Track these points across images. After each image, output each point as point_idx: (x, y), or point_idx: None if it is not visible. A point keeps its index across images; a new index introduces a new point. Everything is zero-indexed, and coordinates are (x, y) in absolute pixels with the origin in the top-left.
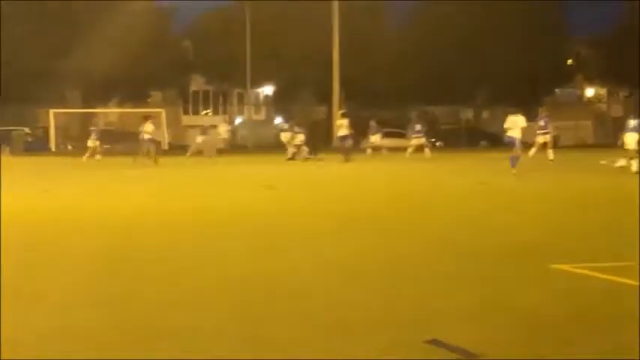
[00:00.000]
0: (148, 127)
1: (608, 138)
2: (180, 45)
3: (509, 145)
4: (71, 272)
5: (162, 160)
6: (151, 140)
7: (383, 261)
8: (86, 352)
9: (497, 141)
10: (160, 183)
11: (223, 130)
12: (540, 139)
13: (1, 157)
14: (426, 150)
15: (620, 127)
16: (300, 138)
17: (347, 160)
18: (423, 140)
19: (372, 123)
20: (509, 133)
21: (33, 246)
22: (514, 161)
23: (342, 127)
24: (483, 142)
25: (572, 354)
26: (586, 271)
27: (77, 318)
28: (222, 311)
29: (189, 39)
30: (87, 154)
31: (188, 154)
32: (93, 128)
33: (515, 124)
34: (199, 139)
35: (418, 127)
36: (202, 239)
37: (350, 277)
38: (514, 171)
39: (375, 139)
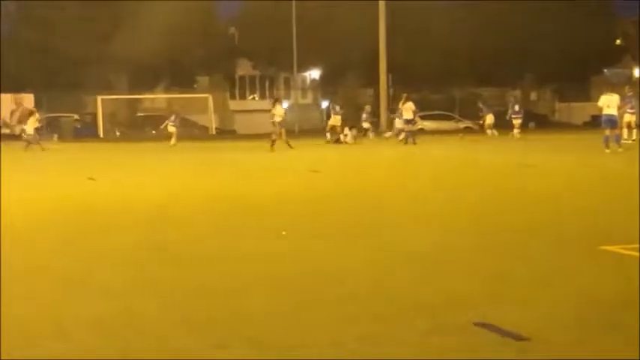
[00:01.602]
0: (279, 110)
1: None
2: (227, 30)
3: (607, 124)
4: (135, 262)
5: (215, 144)
6: (281, 123)
7: (431, 245)
8: (147, 341)
9: (545, 122)
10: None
11: (279, 112)
12: (627, 118)
13: (51, 144)
14: (516, 131)
15: None
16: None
17: (409, 142)
18: (520, 121)
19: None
20: (608, 111)
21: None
22: (618, 139)
23: (407, 110)
24: (532, 124)
25: (619, 338)
26: (634, 253)
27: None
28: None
29: (236, 24)
30: (172, 140)
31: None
32: (173, 116)
33: (612, 103)
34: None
35: (517, 107)
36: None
37: (399, 261)
38: (620, 149)
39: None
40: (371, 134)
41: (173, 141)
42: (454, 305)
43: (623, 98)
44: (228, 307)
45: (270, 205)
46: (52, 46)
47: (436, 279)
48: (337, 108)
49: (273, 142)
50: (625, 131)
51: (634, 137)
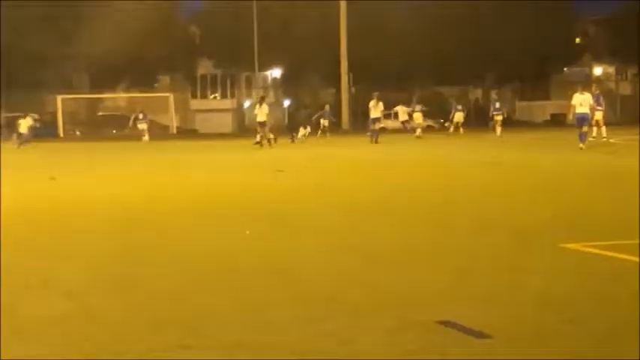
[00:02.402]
0: (264, 109)
1: (617, 116)
2: (188, 29)
3: (580, 122)
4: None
5: (175, 144)
6: (266, 122)
7: (393, 244)
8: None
9: (506, 121)
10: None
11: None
12: (597, 116)
13: (10, 144)
14: (498, 129)
15: (627, 105)
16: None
17: (374, 142)
18: (501, 117)
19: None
20: (580, 110)
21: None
22: (585, 137)
23: (376, 109)
24: (492, 122)
25: (579, 332)
26: (595, 250)
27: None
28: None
29: (197, 23)
30: (145, 137)
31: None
32: (141, 114)
33: (584, 101)
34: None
35: (498, 104)
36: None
37: (361, 260)
38: (582, 146)
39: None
40: (328, 134)
41: (146, 138)
42: (417, 304)
43: (592, 97)
44: (190, 305)
45: (235, 203)
46: (11, 45)
47: (398, 278)
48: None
49: (261, 139)
50: (594, 129)
51: (604, 135)
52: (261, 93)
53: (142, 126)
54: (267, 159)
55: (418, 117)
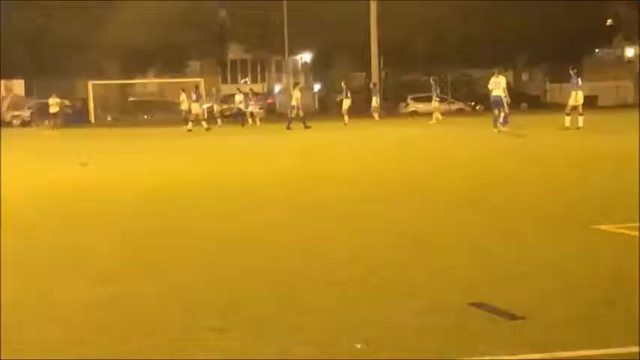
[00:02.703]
0: (297, 94)
1: None
2: (218, 14)
3: (494, 105)
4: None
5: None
6: (297, 106)
7: (424, 225)
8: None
9: (537, 103)
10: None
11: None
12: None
13: (42, 130)
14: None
15: None
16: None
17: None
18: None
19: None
20: (495, 93)
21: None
22: (505, 120)
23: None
24: (524, 105)
25: (615, 315)
26: (628, 232)
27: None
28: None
29: (227, 8)
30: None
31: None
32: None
33: (497, 85)
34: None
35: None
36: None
37: (390, 242)
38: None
39: (375, 101)
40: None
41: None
42: (449, 286)
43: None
44: (221, 288)
45: (267, 185)
46: (42, 32)
47: (430, 261)
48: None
49: (290, 122)
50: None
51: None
52: (291, 77)
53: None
54: (291, 142)
55: (375, 101)
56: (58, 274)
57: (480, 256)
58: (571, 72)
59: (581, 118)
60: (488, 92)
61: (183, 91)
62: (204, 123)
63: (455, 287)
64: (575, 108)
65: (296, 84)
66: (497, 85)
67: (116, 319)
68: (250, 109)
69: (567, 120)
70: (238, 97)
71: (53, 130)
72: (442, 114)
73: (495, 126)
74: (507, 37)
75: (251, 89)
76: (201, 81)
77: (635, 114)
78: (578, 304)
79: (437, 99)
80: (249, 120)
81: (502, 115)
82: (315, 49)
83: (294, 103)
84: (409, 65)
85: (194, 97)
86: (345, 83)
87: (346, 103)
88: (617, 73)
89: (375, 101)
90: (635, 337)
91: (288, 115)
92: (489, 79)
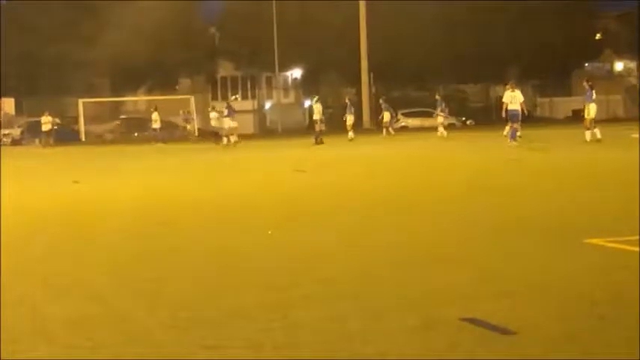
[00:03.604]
0: (318, 108)
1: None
2: (207, 31)
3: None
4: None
5: (197, 146)
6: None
7: (415, 241)
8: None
9: (528, 117)
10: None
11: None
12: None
13: (33, 148)
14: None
15: None
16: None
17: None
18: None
19: (381, 101)
20: (512, 107)
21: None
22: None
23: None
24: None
25: (609, 329)
26: (618, 245)
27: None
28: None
29: (216, 25)
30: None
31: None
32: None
33: (514, 99)
34: None
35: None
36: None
37: (384, 258)
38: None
39: (386, 117)
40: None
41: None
42: (441, 302)
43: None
44: (219, 306)
45: (256, 203)
46: (32, 50)
47: (422, 276)
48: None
49: (317, 137)
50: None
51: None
52: (282, 93)
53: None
54: (290, 158)
55: (387, 116)
56: (48, 291)
57: (475, 272)
58: (585, 85)
59: (589, 132)
60: (503, 106)
61: (156, 109)
62: (232, 138)
63: (447, 302)
64: (590, 121)
65: (315, 97)
66: (514, 99)
67: (107, 336)
68: (227, 125)
69: (588, 134)
70: (213, 115)
71: (44, 148)
72: (433, 129)
73: (515, 139)
74: (497, 52)
75: (228, 104)
76: (191, 98)
77: (627, 128)
78: (572, 319)
79: (442, 114)
80: (225, 139)
81: (512, 129)
82: (305, 65)
83: (318, 117)
84: (399, 81)
85: (226, 112)
86: (349, 99)
87: (350, 119)
88: (607, 87)
89: (387, 116)
90: (629, 350)
91: (316, 129)
92: (504, 94)
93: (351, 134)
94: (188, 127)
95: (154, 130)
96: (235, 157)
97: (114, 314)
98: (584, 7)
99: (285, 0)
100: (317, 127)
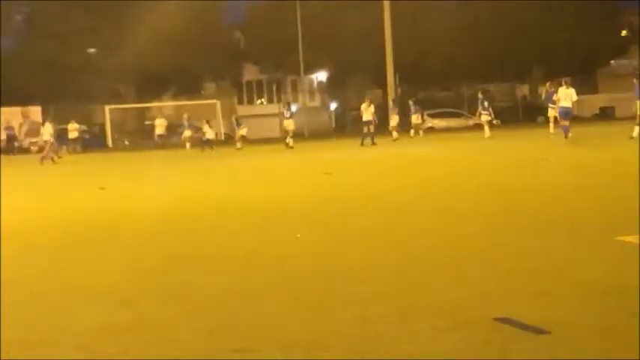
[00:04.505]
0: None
1: None
2: (232, 35)
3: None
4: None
5: (225, 150)
6: (371, 121)
7: (445, 241)
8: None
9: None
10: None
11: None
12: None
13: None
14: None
15: None
16: None
17: (365, 144)
18: (488, 118)
19: (411, 103)
20: (564, 104)
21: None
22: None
23: (366, 111)
24: (540, 118)
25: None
26: None
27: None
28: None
29: (241, 29)
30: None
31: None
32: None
33: (568, 97)
34: None
35: (486, 103)
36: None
37: (415, 258)
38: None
39: (416, 118)
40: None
41: (188, 145)
42: (473, 302)
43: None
44: (249, 310)
45: (287, 207)
46: (58, 58)
47: (453, 277)
48: (287, 113)
49: (371, 138)
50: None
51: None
52: (307, 96)
53: (187, 133)
54: (317, 161)
55: (416, 118)
56: (79, 297)
57: (508, 271)
58: (635, 82)
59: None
60: (556, 103)
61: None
62: (289, 140)
63: (480, 302)
64: None
65: (368, 100)
66: (568, 97)
67: (138, 342)
68: (291, 127)
69: (636, 130)
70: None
71: (71, 155)
72: (459, 129)
73: (566, 136)
74: (523, 51)
75: (288, 104)
76: (217, 103)
77: None
78: (605, 317)
79: (485, 112)
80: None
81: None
82: (330, 67)
83: (370, 118)
84: (425, 82)
85: (287, 114)
86: (393, 100)
87: (395, 119)
88: (633, 84)
89: (416, 118)
90: None
91: (368, 131)
92: (558, 90)
93: (395, 134)
94: (186, 133)
95: (160, 136)
96: (271, 160)
97: (144, 320)
98: (609, 4)
99: (310, 0)
100: (368, 129)
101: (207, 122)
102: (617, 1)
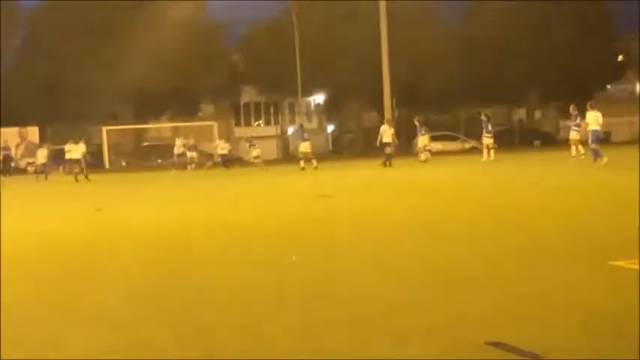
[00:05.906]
0: (388, 131)
1: None
2: (231, 58)
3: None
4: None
5: (221, 171)
6: (390, 144)
7: (437, 264)
8: None
9: (550, 140)
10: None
11: (389, 133)
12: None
13: (57, 176)
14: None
15: None
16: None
17: (387, 165)
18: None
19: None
20: (593, 127)
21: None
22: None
23: (385, 133)
24: (537, 142)
25: (632, 351)
26: None
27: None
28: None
29: (239, 51)
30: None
31: None
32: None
33: (596, 120)
34: None
35: (489, 126)
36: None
37: (407, 281)
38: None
39: (422, 141)
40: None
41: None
42: (466, 326)
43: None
44: (243, 335)
45: (281, 230)
46: (56, 78)
47: (446, 301)
48: (306, 134)
49: (388, 159)
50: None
51: (582, 152)
52: (305, 119)
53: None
54: (312, 183)
55: (423, 140)
56: (71, 321)
57: (500, 295)
58: None
59: None
60: (585, 126)
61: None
62: (314, 161)
63: (472, 327)
64: None
65: (387, 120)
66: (596, 120)
67: None
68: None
69: None
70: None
71: (68, 175)
72: (455, 152)
73: (595, 160)
74: (519, 74)
75: (301, 126)
76: (214, 124)
77: None
78: (598, 341)
79: (487, 135)
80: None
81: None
82: (328, 90)
83: (389, 140)
84: (422, 104)
85: (305, 135)
86: (418, 120)
87: (422, 140)
88: (629, 109)
89: (423, 140)
90: None
91: (386, 152)
92: (585, 114)
93: (423, 156)
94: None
95: (179, 155)
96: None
97: (136, 343)
98: (606, 30)
99: (307, 26)
100: (387, 150)
101: (224, 140)
102: (613, 27)
